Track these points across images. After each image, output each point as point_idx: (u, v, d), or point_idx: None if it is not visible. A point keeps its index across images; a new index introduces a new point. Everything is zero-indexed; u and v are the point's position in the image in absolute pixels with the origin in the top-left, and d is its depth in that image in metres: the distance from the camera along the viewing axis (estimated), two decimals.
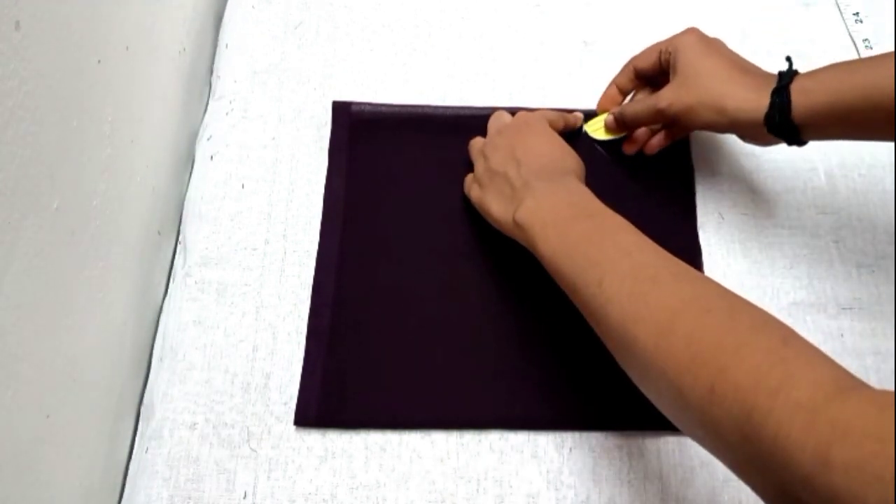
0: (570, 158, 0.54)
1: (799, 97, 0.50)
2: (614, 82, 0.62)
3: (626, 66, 0.61)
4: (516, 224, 0.50)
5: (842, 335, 0.57)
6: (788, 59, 0.53)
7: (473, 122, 0.64)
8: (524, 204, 0.50)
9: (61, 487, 0.46)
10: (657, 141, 0.60)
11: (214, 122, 0.65)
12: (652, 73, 0.59)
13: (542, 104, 0.64)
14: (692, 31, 0.56)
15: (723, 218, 0.61)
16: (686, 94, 0.53)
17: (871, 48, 0.69)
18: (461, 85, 0.67)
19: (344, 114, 0.64)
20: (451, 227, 0.60)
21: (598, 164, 0.61)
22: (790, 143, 0.52)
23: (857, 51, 0.69)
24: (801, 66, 0.69)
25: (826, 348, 0.55)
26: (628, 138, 0.62)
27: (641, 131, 0.61)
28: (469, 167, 0.61)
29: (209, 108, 0.67)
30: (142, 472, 0.52)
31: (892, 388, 0.32)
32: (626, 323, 0.41)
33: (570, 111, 0.63)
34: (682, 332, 0.38)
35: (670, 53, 0.56)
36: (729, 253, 0.60)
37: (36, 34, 0.40)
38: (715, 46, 0.55)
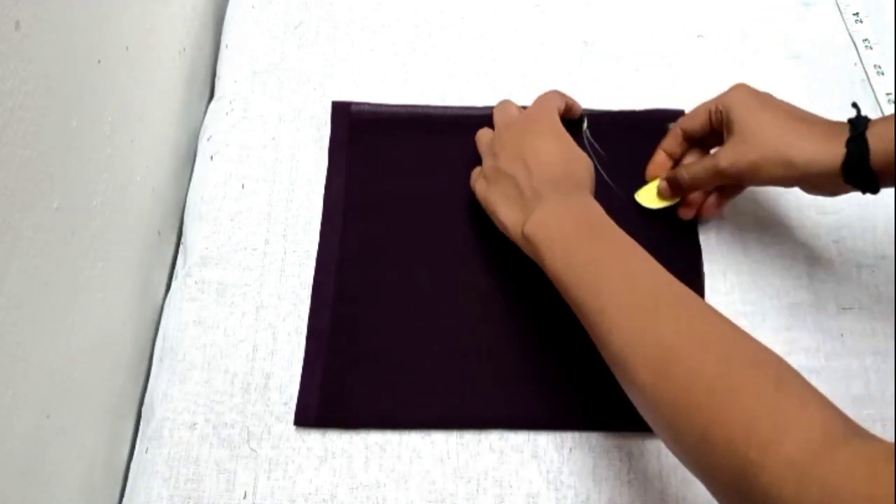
0: (579, 165, 0.53)
1: (876, 144, 0.48)
2: (661, 148, 0.59)
3: (672, 130, 0.58)
4: (524, 236, 0.50)
5: (842, 335, 0.57)
6: (855, 105, 0.51)
7: (473, 121, 0.64)
8: (533, 216, 0.50)
9: (61, 487, 0.46)
10: (713, 201, 0.58)
11: (214, 122, 0.65)
12: (701, 134, 0.57)
13: None
14: (741, 87, 0.54)
15: (723, 218, 0.61)
16: (749, 152, 0.51)
17: (871, 48, 0.69)
18: (461, 85, 0.67)
19: (343, 114, 0.64)
20: (451, 227, 0.60)
21: (598, 165, 0.61)
22: (865, 191, 0.50)
23: (857, 51, 0.69)
24: (801, 66, 0.69)
25: (826, 348, 0.56)
26: (682, 203, 0.59)
27: (696, 194, 0.58)
28: (469, 167, 0.61)
29: (209, 108, 0.67)
30: (142, 472, 0.52)
31: (888, 419, 0.32)
32: (626, 355, 0.41)
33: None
34: (677, 373, 0.39)
35: (721, 112, 0.54)
36: (729, 253, 0.60)
37: (36, 34, 0.40)
38: (768, 99, 0.53)
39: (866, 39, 0.69)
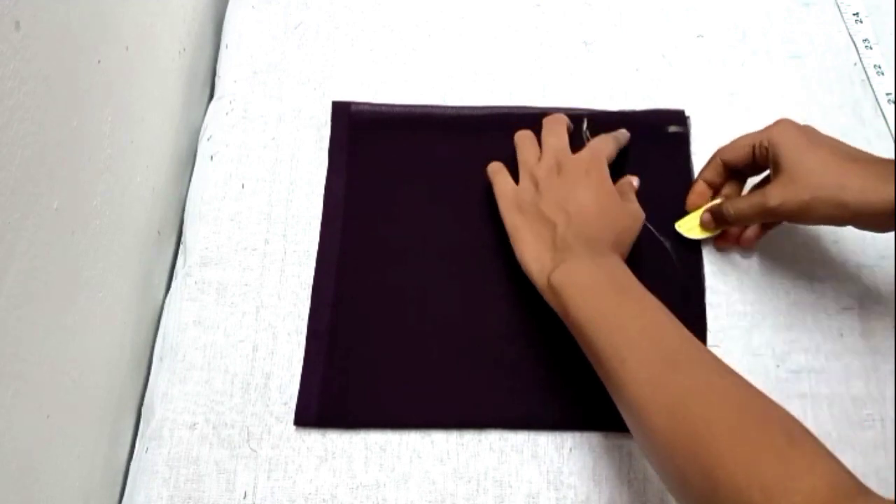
0: (620, 225, 0.53)
1: None
2: (701, 178, 0.59)
3: (712, 161, 0.58)
4: (550, 284, 0.50)
5: (842, 335, 0.57)
6: None
7: (473, 121, 0.64)
8: (562, 267, 0.50)
9: (61, 487, 0.46)
10: (753, 233, 0.58)
11: (214, 122, 0.65)
12: (743, 166, 0.57)
13: (543, 104, 0.64)
14: (787, 123, 0.54)
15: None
16: (800, 192, 0.50)
17: (871, 48, 0.69)
18: (461, 85, 0.67)
19: (343, 114, 0.64)
20: (451, 227, 0.60)
21: None
22: None
23: (857, 51, 0.69)
24: (801, 66, 0.69)
25: (826, 348, 0.56)
26: (721, 234, 0.59)
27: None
28: (469, 167, 0.61)
29: (209, 108, 0.67)
30: (142, 472, 0.52)
31: (891, 477, 0.33)
32: (641, 404, 0.42)
33: (572, 111, 0.63)
34: (690, 423, 0.40)
35: (767, 148, 0.53)
36: (729, 253, 0.60)
37: (36, 34, 0.40)
38: (815, 136, 0.52)
39: (866, 39, 0.69)
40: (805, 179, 0.50)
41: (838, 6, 0.72)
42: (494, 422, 0.54)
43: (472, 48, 0.69)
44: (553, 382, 0.54)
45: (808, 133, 0.53)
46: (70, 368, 0.47)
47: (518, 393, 0.54)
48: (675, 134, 0.64)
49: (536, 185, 0.55)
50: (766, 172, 0.56)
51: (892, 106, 0.65)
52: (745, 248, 0.59)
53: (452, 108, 0.65)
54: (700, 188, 0.59)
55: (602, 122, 0.63)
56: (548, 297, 0.51)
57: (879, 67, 0.68)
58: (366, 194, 0.61)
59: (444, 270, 0.58)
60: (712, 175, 0.58)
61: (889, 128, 0.65)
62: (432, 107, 0.65)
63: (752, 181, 0.59)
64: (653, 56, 0.69)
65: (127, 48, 0.53)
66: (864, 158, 0.51)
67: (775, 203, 0.52)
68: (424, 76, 0.67)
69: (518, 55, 0.69)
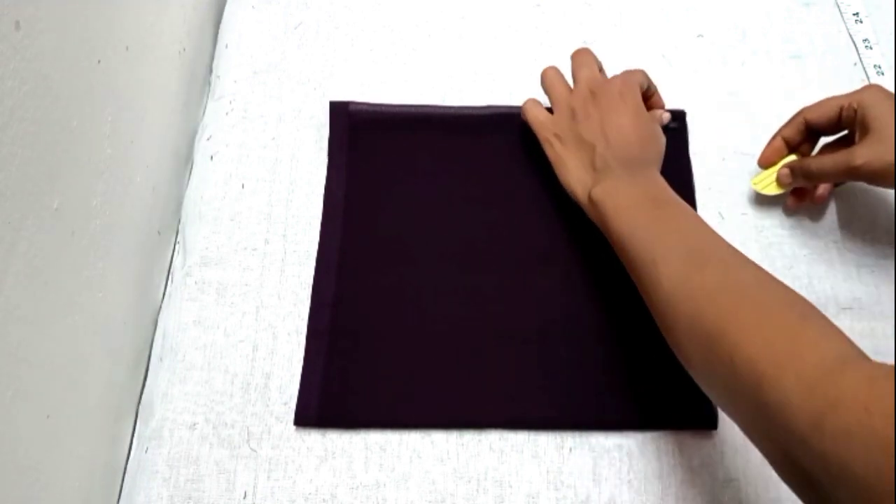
0: (654, 147, 0.56)
1: None
2: (780, 135, 0.60)
3: (795, 119, 0.59)
4: (591, 200, 0.53)
5: None
6: None
7: (473, 121, 0.64)
8: (602, 184, 0.53)
9: (61, 487, 0.46)
10: (825, 190, 0.59)
11: (214, 122, 0.65)
12: (827, 127, 0.58)
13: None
14: (877, 88, 0.55)
15: (723, 218, 0.61)
16: (886, 153, 0.52)
17: (871, 48, 0.69)
18: (461, 85, 0.67)
19: (342, 114, 0.64)
20: (450, 227, 0.60)
21: None
22: None
23: (857, 51, 0.69)
24: (801, 66, 0.69)
25: None
26: (795, 192, 0.60)
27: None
28: (469, 166, 0.61)
29: (209, 108, 0.67)
30: (142, 472, 0.52)
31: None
32: (671, 301, 0.46)
33: None
34: (715, 312, 0.43)
35: (855, 110, 0.55)
36: None
37: (36, 34, 0.40)
38: None
39: (866, 39, 0.69)
40: (892, 141, 0.52)
41: (838, 6, 0.72)
42: (494, 422, 0.54)
43: (472, 48, 0.69)
44: (553, 382, 0.54)
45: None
46: (70, 368, 0.47)
47: (518, 393, 0.54)
48: (673, 130, 0.64)
49: (574, 113, 0.57)
50: (842, 133, 0.58)
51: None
52: (817, 205, 0.60)
53: (452, 108, 0.65)
54: (778, 144, 0.60)
55: None
56: (590, 212, 0.54)
57: (879, 67, 0.68)
58: (366, 194, 0.61)
59: (444, 270, 0.58)
60: (792, 133, 0.59)
61: None
62: (432, 107, 0.65)
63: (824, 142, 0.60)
64: (653, 56, 0.69)
65: (127, 48, 0.53)
66: None
67: (861, 161, 0.53)
68: (424, 76, 0.67)
69: (518, 55, 0.69)
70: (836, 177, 0.56)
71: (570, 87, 0.60)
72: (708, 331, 0.42)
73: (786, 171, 0.59)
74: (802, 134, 0.59)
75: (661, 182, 0.54)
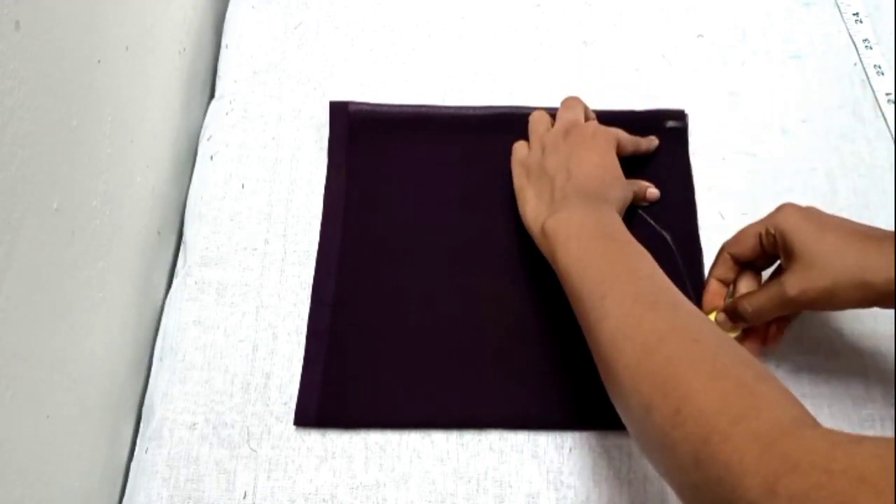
0: (616, 189, 0.55)
1: None
2: (713, 276, 0.55)
3: (720, 255, 0.55)
4: (543, 230, 0.51)
5: (842, 335, 0.57)
6: None
7: (473, 121, 0.64)
8: (557, 214, 0.51)
9: (61, 487, 0.46)
10: (776, 331, 0.54)
11: (214, 122, 0.65)
12: (755, 258, 0.53)
13: (542, 104, 0.64)
14: (791, 207, 0.51)
15: (723, 218, 0.61)
16: (818, 278, 0.47)
17: (871, 48, 0.69)
18: (461, 85, 0.67)
19: (342, 114, 0.64)
20: (450, 227, 0.60)
21: None
22: None
23: (857, 51, 0.69)
24: (801, 66, 0.69)
25: (826, 348, 0.56)
26: (745, 335, 0.54)
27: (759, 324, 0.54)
28: (468, 166, 0.61)
29: (209, 108, 0.67)
30: (142, 473, 0.52)
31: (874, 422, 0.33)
32: (616, 339, 0.43)
33: None
34: (664, 354, 0.40)
35: (774, 236, 0.50)
36: None
37: (36, 34, 0.40)
38: (824, 218, 0.50)
39: (866, 39, 0.69)
40: (823, 265, 0.48)
41: (838, 6, 0.72)
42: (494, 422, 0.54)
43: (472, 48, 0.69)
44: (553, 382, 0.54)
45: (815, 216, 0.50)
46: (70, 368, 0.47)
47: (518, 393, 0.54)
48: (673, 129, 0.64)
49: (544, 148, 0.57)
50: (778, 262, 0.53)
51: (892, 106, 0.65)
52: (772, 348, 0.54)
53: (452, 108, 0.65)
54: (714, 287, 0.55)
55: (602, 121, 0.63)
56: (541, 244, 0.52)
57: (879, 67, 0.68)
58: (366, 194, 0.61)
59: (444, 270, 0.58)
60: (723, 271, 0.55)
61: (889, 127, 0.65)
62: (432, 107, 0.65)
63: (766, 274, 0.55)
64: (653, 56, 0.69)
65: (127, 48, 0.53)
66: (879, 235, 0.48)
67: (795, 292, 0.48)
68: (424, 76, 0.67)
69: (518, 55, 0.69)
70: (775, 312, 0.50)
71: (550, 127, 0.59)
72: (655, 373, 0.39)
73: (722, 316, 0.53)
74: (734, 270, 0.54)
75: (619, 220, 0.51)
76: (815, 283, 0.48)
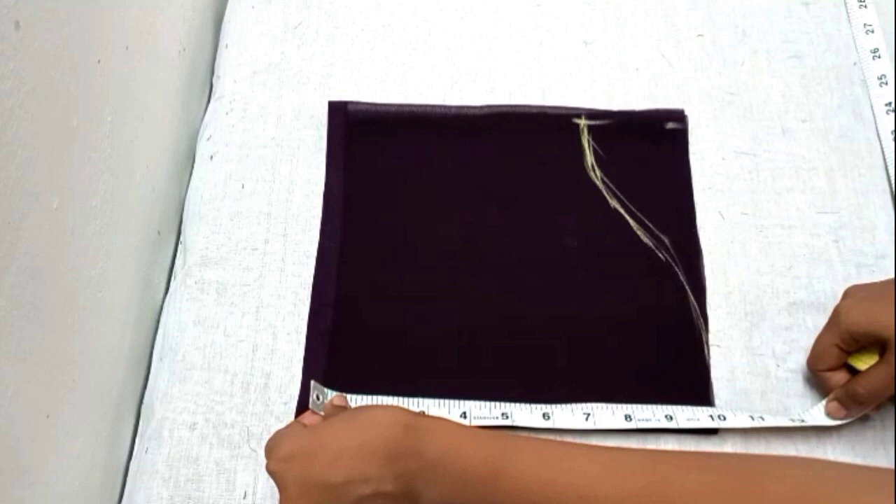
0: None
1: None
2: (832, 396, 0.53)
3: (816, 377, 0.54)
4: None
5: None
6: None
7: (473, 121, 0.64)
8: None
9: (61, 487, 0.46)
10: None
11: (214, 122, 0.65)
12: (840, 365, 0.53)
13: (543, 104, 0.64)
14: (850, 309, 0.51)
15: (723, 218, 0.61)
16: None
17: (873, 32, 0.68)
18: (461, 85, 0.67)
19: (341, 113, 0.64)
20: (450, 226, 0.60)
21: (598, 165, 0.62)
22: None
23: (857, 51, 0.69)
24: (801, 66, 0.69)
25: None
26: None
27: None
28: (468, 165, 0.61)
29: (209, 108, 0.67)
30: (142, 472, 0.52)
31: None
32: None
33: (572, 110, 0.63)
34: None
35: (855, 338, 0.51)
36: (729, 253, 0.60)
37: (36, 34, 0.40)
38: (882, 291, 0.51)
39: (867, 24, 0.69)
40: None
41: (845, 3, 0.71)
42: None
43: (472, 48, 0.69)
44: (553, 382, 0.54)
45: (873, 296, 0.51)
46: (70, 368, 0.47)
47: (519, 392, 0.54)
48: (673, 131, 0.64)
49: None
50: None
51: (892, 116, 0.65)
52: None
53: (452, 107, 0.65)
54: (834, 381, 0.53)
55: (602, 121, 0.63)
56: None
57: (883, 77, 0.67)
58: (365, 194, 0.61)
59: (443, 269, 0.58)
60: (829, 381, 0.53)
61: (883, 141, 0.65)
62: (430, 106, 0.65)
63: None
64: (653, 56, 0.69)
65: (127, 48, 0.53)
66: None
67: None
68: (424, 76, 0.67)
69: (518, 55, 0.69)
70: (889, 391, 0.50)
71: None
72: None
73: (834, 405, 0.52)
74: (834, 368, 0.53)
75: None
76: None
